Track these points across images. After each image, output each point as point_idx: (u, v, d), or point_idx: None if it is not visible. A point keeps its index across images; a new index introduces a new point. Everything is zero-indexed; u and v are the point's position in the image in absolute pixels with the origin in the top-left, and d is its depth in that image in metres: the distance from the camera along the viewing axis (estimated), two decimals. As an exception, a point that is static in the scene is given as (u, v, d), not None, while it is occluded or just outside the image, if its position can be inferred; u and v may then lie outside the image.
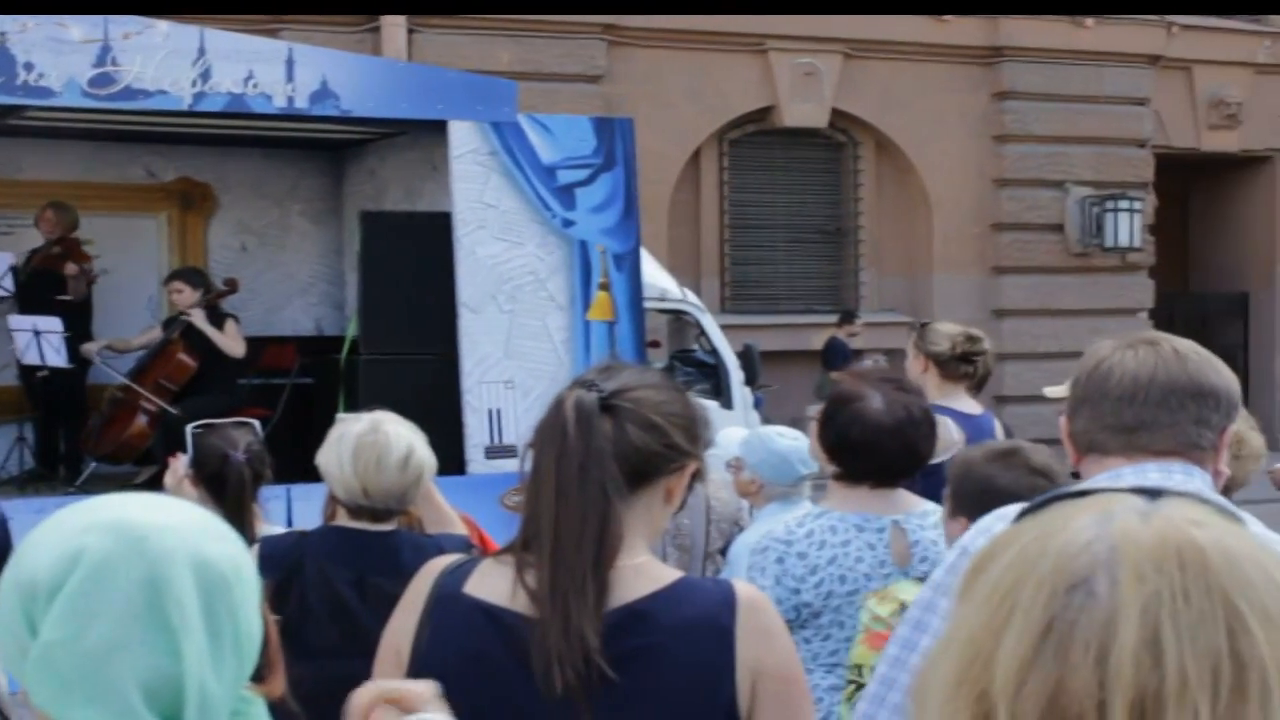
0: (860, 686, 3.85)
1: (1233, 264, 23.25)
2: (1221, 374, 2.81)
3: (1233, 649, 1.22)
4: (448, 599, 2.67)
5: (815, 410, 4.74)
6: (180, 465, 5.63)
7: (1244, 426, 4.77)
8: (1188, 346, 2.81)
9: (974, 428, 6.14)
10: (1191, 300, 22.78)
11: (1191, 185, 23.66)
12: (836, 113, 19.99)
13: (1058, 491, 1.44)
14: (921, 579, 3.92)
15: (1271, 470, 8.33)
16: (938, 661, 1.32)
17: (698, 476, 2.77)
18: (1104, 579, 1.25)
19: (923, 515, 4.53)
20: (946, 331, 6.83)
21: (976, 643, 1.28)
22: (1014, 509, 2.64)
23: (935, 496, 4.55)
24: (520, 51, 17.79)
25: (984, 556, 1.35)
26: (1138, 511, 1.30)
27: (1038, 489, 3.68)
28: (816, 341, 19.57)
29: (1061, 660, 1.23)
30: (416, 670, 2.63)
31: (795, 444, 6.07)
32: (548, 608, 2.54)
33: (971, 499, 3.84)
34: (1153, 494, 1.34)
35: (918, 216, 20.61)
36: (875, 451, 4.44)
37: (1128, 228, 20.49)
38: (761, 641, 2.61)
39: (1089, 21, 20.52)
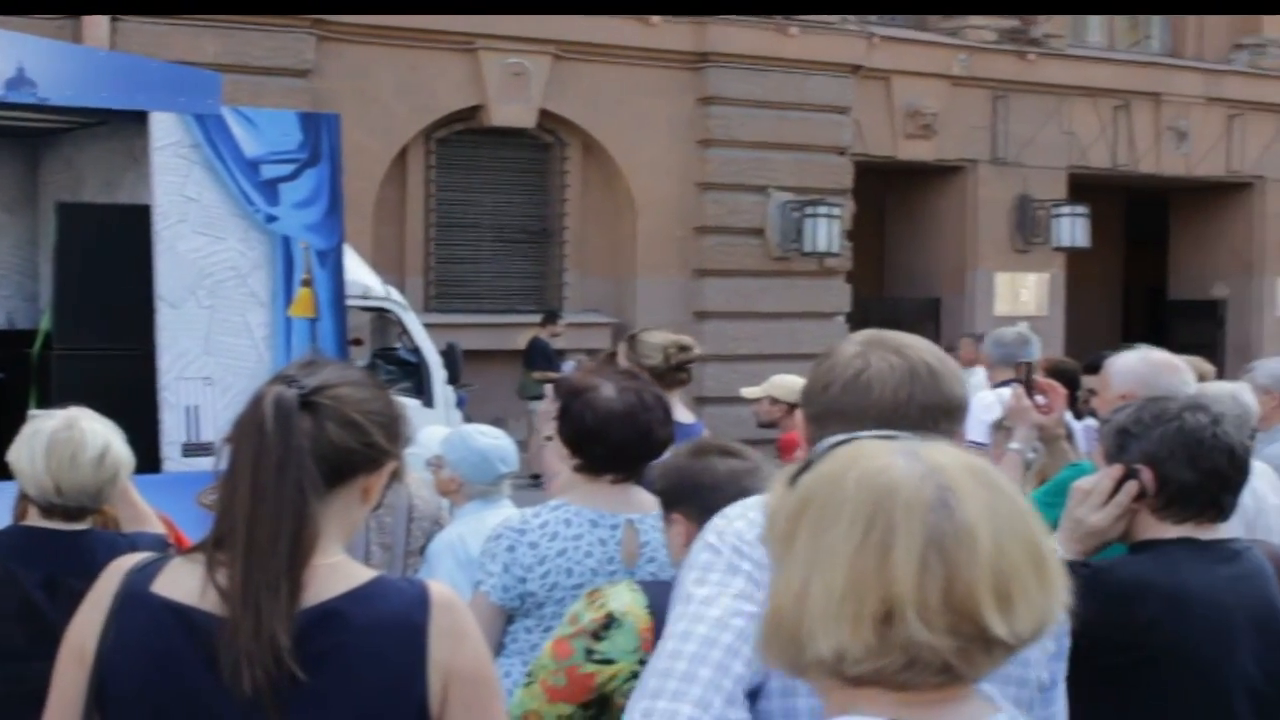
0: (531, 675, 3.85)
1: (926, 270, 23.89)
2: (962, 383, 2.87)
3: (1030, 535, 1.80)
4: (135, 597, 2.62)
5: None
6: None
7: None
8: (935, 358, 2.83)
9: (687, 435, 6.22)
10: (886, 304, 23.33)
11: (888, 193, 24.25)
12: (544, 114, 20.07)
13: (828, 444, 1.99)
14: (643, 583, 3.94)
15: None
16: (808, 589, 1.77)
17: (397, 475, 2.77)
18: (952, 499, 1.76)
19: (657, 517, 4.59)
20: (658, 342, 6.91)
21: (858, 561, 1.75)
22: (752, 501, 2.69)
23: None
24: (227, 43, 17.52)
25: (802, 501, 1.82)
26: (931, 448, 1.85)
27: (736, 474, 3.77)
28: (520, 341, 19.62)
29: (946, 561, 1.73)
30: (101, 670, 2.59)
31: (496, 443, 6.09)
32: (239, 607, 2.51)
33: (677, 493, 3.89)
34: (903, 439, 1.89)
35: (622, 218, 20.78)
36: (609, 436, 4.49)
37: (826, 233, 20.91)
38: (454, 642, 2.62)
39: (793, 29, 20.91)
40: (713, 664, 2.50)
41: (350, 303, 10.51)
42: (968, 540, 1.75)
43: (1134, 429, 3.65)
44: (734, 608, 2.53)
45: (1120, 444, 3.66)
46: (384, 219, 19.28)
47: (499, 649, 4.43)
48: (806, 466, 1.86)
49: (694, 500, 3.78)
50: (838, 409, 2.78)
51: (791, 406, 7.93)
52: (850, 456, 1.83)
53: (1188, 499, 3.57)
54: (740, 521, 2.65)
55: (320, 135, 9.70)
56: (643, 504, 4.58)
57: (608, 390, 4.55)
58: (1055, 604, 1.80)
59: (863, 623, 1.74)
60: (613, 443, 4.50)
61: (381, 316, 15.51)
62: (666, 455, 4.25)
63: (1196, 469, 3.56)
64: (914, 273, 24.07)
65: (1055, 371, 10.97)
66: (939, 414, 2.78)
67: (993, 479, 1.82)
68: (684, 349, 6.90)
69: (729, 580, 2.57)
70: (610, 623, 3.74)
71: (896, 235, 24.47)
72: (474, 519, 5.64)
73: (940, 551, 1.74)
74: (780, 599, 1.80)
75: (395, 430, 2.73)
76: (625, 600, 3.78)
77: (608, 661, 3.66)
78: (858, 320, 21.22)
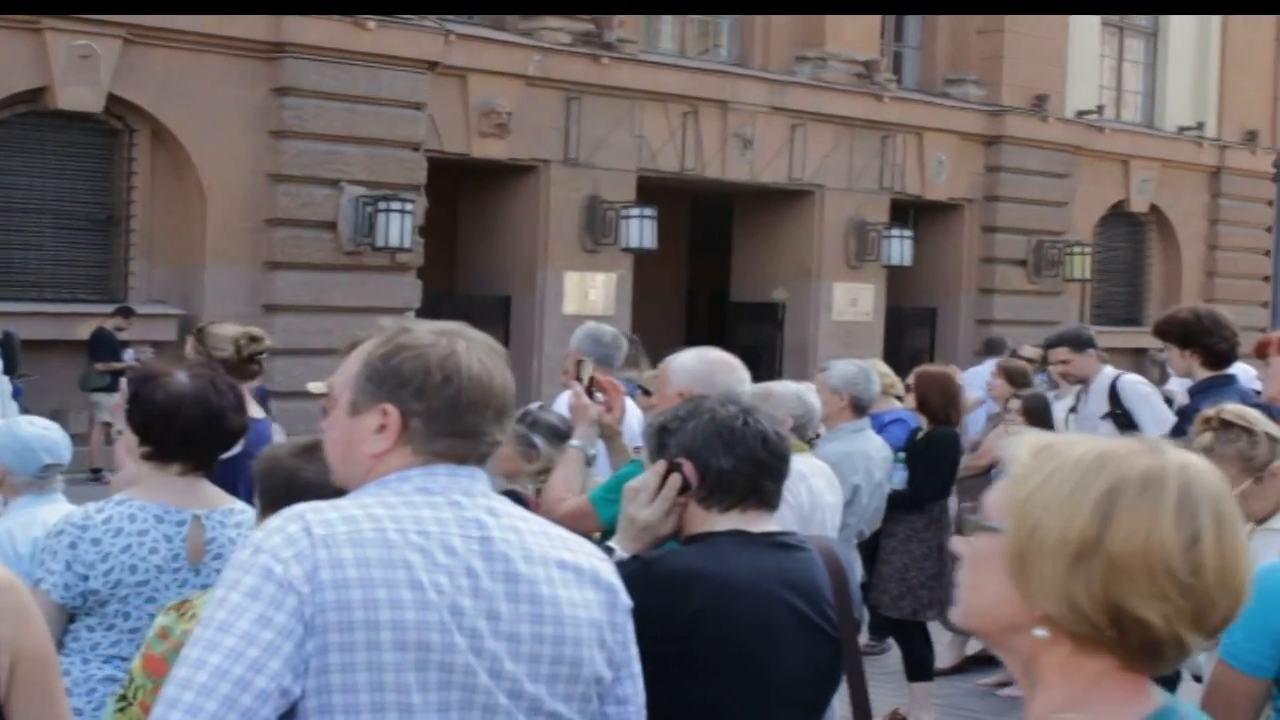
0: (125, 698, 3.77)
1: (497, 267, 24.04)
2: None
3: None
4: None
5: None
6: None
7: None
8: (499, 351, 2.91)
9: (256, 431, 6.19)
10: (457, 301, 23.40)
11: (461, 190, 24.34)
12: (113, 98, 19.57)
13: None
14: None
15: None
16: None
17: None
18: None
19: (226, 513, 4.54)
20: (228, 334, 6.87)
21: None
22: (304, 507, 2.70)
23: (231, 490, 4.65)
24: None
25: None
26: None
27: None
28: (83, 331, 19.15)
29: None
30: None
31: (42, 433, 5.95)
32: None
33: (279, 495, 3.87)
34: None
35: (192, 208, 20.41)
36: (179, 419, 4.45)
37: (399, 228, 20.92)
38: (19, 623, 2.61)
39: (370, 23, 20.84)
40: (233, 679, 2.51)
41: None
42: None
43: (671, 425, 3.81)
44: (251, 634, 2.53)
45: (661, 441, 3.81)
46: (-61, 202, 18.56)
47: (59, 647, 4.35)
48: None
49: (288, 503, 3.80)
50: (466, 402, 2.81)
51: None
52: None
53: (728, 486, 3.73)
54: (278, 537, 2.64)
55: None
56: (211, 498, 4.56)
57: (180, 375, 4.55)
58: None
59: None
60: (183, 426, 4.47)
61: (-65, 303, 14.96)
62: (269, 449, 4.23)
63: (732, 455, 3.72)
64: (485, 270, 24.20)
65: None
66: (507, 404, 2.88)
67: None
68: (255, 340, 6.90)
69: (248, 604, 2.56)
70: None
71: (469, 232, 24.57)
72: (24, 513, 5.50)
73: None
74: None
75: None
76: None
77: None
78: (428, 316, 21.21)
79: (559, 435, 6.13)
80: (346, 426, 2.85)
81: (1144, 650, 2.05)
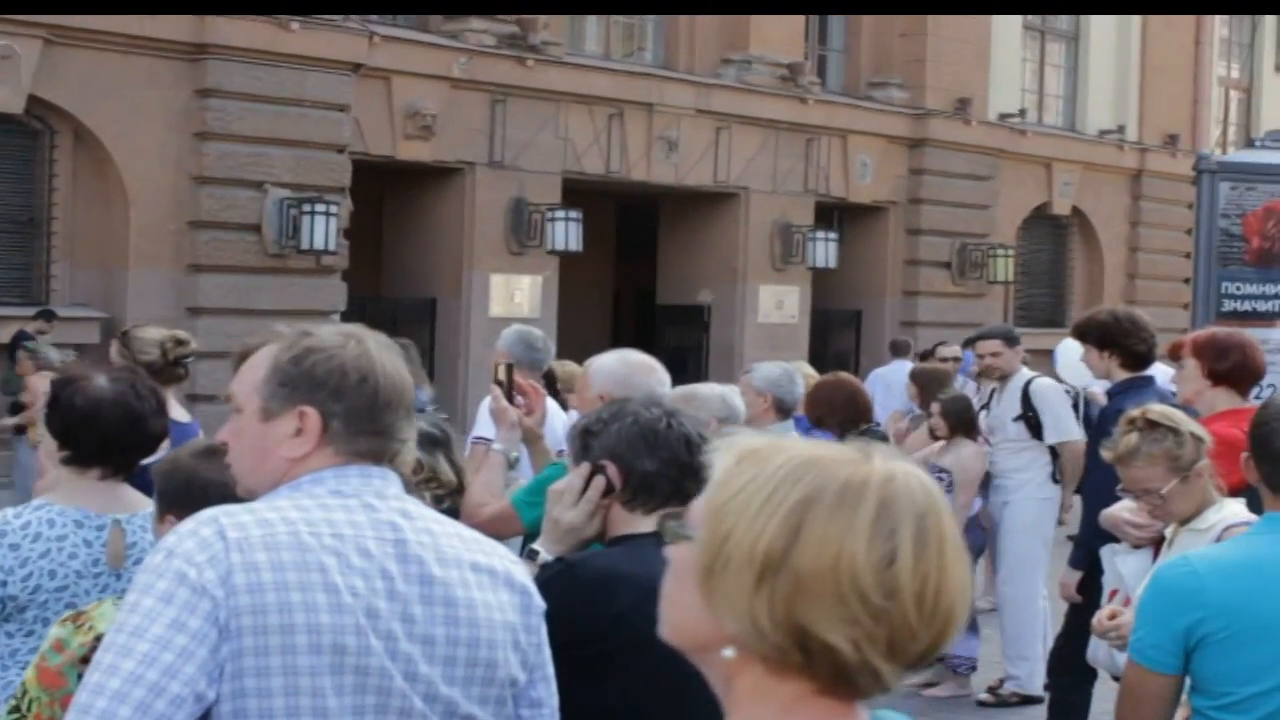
0: (18, 710, 3.72)
1: (423, 270, 23.96)
2: None
3: None
4: None
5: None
6: None
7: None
8: (399, 350, 2.95)
9: (182, 434, 6.16)
10: (383, 304, 23.35)
11: (386, 192, 24.27)
12: (34, 99, 19.38)
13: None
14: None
15: None
16: None
17: None
18: None
19: (147, 517, 4.52)
20: (154, 338, 6.84)
21: None
22: (217, 511, 2.70)
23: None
24: None
25: None
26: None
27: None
28: (4, 335, 18.98)
29: None
30: None
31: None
32: None
33: (178, 495, 3.86)
34: None
35: (115, 210, 20.25)
36: (99, 422, 4.43)
37: (324, 231, 20.79)
38: None
39: (294, 25, 20.74)
40: (146, 685, 2.50)
41: None
42: None
43: (594, 428, 3.84)
44: (165, 638, 2.54)
45: (584, 444, 3.83)
46: None
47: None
48: None
49: (188, 503, 3.79)
50: (383, 401, 2.84)
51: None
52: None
53: (652, 488, 3.75)
54: (191, 541, 2.64)
55: None
56: (132, 503, 4.53)
57: (100, 379, 4.53)
58: None
59: None
60: (102, 429, 4.45)
61: None
62: (167, 452, 4.23)
63: (656, 458, 3.74)
64: (411, 273, 24.13)
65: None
66: (410, 406, 2.93)
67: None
68: (181, 343, 6.86)
69: (162, 609, 2.57)
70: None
71: (394, 235, 24.49)
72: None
73: None
74: None
75: None
76: (112, 619, 3.73)
77: None
78: (354, 319, 21.14)
79: (434, 441, 6.13)
80: (258, 433, 2.84)
81: (836, 677, 1.88)
